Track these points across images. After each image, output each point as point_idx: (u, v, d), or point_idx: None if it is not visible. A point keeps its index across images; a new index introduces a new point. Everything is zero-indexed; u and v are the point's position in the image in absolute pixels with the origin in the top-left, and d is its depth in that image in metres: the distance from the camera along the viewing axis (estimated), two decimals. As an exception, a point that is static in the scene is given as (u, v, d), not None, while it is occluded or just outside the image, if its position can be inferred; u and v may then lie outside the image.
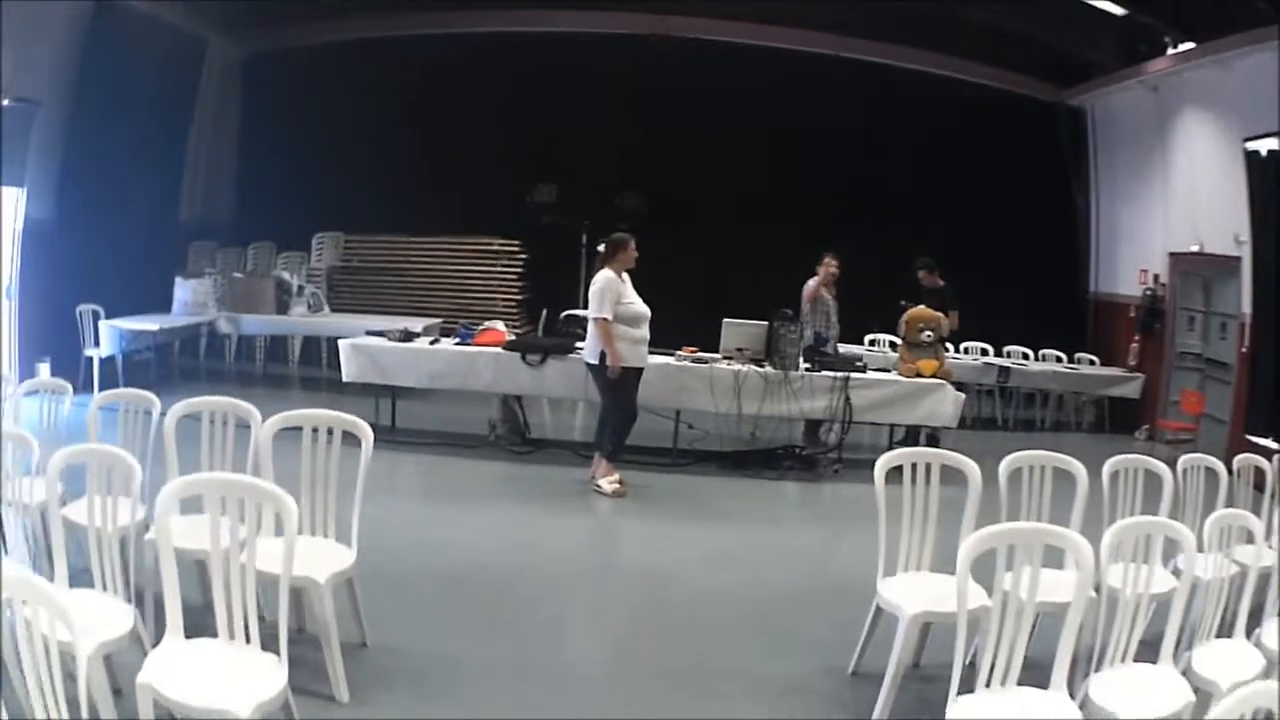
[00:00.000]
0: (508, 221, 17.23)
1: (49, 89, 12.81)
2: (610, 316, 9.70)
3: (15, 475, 5.16)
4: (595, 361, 9.92)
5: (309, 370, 16.11)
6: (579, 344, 10.92)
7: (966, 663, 4.36)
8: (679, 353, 11.43)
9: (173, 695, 3.94)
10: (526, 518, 9.29)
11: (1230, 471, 6.67)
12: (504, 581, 7.51)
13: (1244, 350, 13.33)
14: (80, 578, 4.77)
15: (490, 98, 17.11)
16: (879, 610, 5.73)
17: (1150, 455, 6.48)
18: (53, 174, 13.15)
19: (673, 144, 16.75)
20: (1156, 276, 15.81)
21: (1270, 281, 12.71)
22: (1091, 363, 16.60)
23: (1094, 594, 4.68)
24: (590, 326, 10.02)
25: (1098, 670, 4.57)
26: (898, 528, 5.73)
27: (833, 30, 17.01)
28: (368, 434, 5.68)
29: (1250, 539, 5.18)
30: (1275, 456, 6.93)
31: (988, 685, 4.24)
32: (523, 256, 17.23)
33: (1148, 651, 4.68)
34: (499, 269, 17.20)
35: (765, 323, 11.39)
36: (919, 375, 11.47)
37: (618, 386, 9.91)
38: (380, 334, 11.91)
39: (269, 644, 4.26)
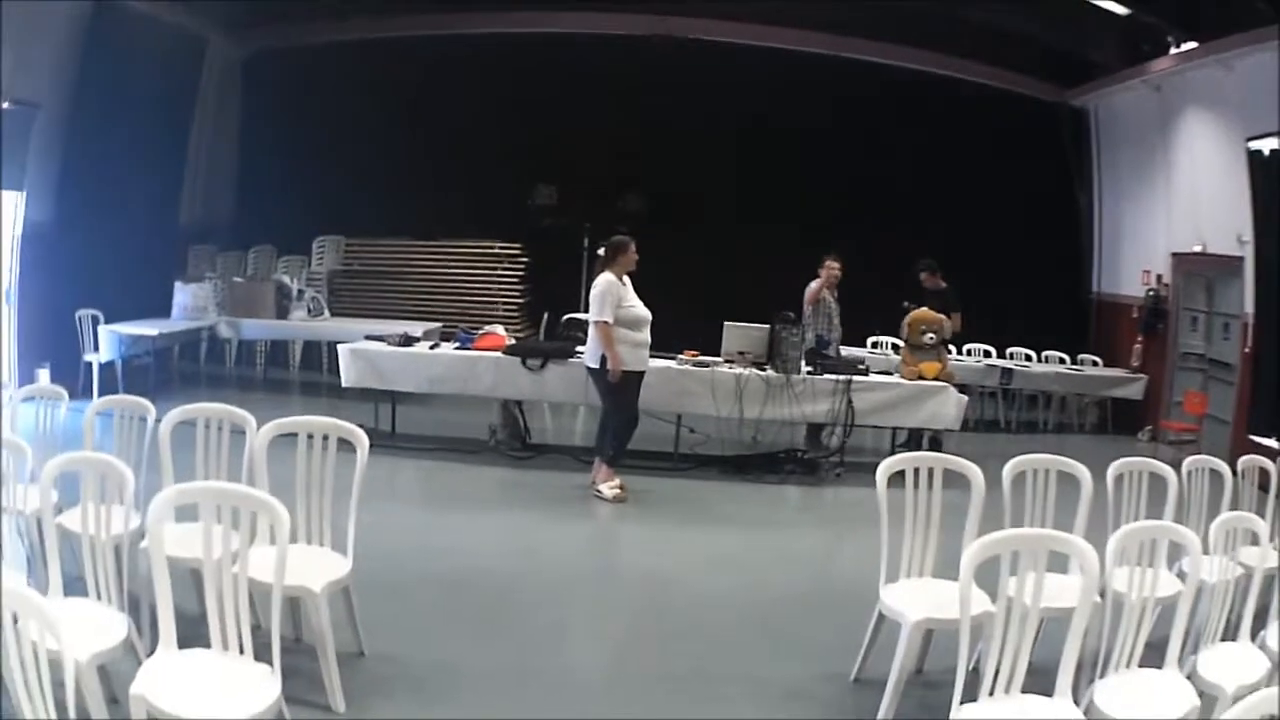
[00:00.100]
0: (509, 224, 17.21)
1: (48, 90, 12.75)
2: (611, 320, 9.65)
3: (11, 482, 5.13)
4: (596, 365, 9.88)
5: (310, 375, 16.05)
6: (579, 348, 10.88)
7: (970, 669, 4.31)
8: (680, 356, 11.40)
9: (165, 707, 3.90)
10: (527, 523, 9.25)
11: (1235, 473, 6.61)
12: (504, 587, 7.47)
13: (1247, 351, 13.27)
14: (76, 586, 4.73)
15: (491, 99, 17.08)
16: (881, 616, 5.67)
17: (1153, 456, 6.44)
18: (52, 176, 13.08)
19: (673, 145, 16.71)
20: (1159, 277, 15.76)
21: (1273, 281, 12.65)
22: (1094, 364, 16.54)
23: (1099, 599, 4.63)
24: (591, 330, 9.97)
25: (1102, 676, 4.52)
26: (900, 533, 5.68)
27: (833, 30, 16.96)
28: (363, 441, 5.63)
29: (1255, 541, 5.13)
30: (1280, 458, 6.89)
31: (991, 693, 4.19)
32: (524, 259, 17.19)
33: (1152, 655, 4.62)
34: (500, 272, 17.15)
35: (767, 325, 11.33)
36: (921, 378, 11.44)
37: (619, 390, 9.86)
38: (380, 339, 11.86)
39: (264, 654, 4.21)
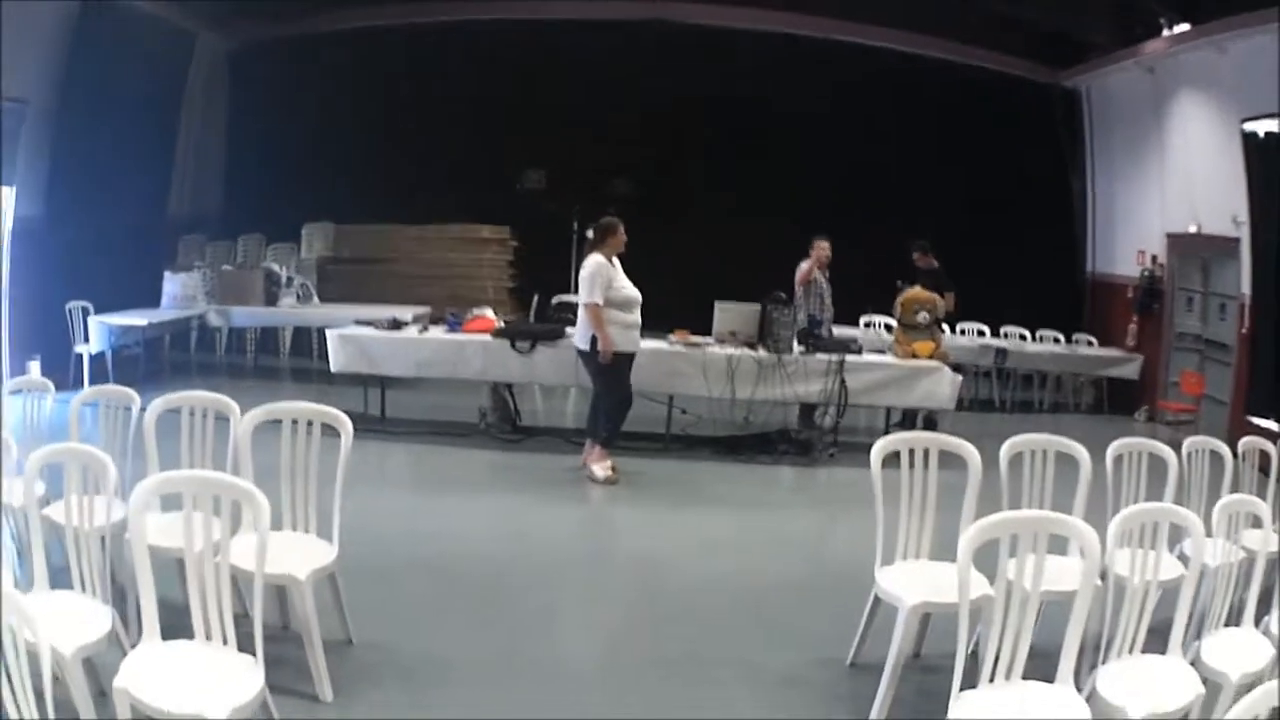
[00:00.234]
0: (498, 208, 17.15)
1: (36, 86, 12.69)
2: (601, 301, 9.57)
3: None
4: (586, 347, 9.80)
5: (300, 362, 15.94)
6: (569, 330, 10.78)
7: (969, 652, 4.22)
8: (671, 337, 11.32)
9: (149, 700, 3.85)
10: (517, 506, 9.17)
11: (1235, 454, 6.53)
12: (494, 572, 7.39)
13: (1244, 332, 13.21)
14: (63, 578, 4.66)
15: (479, 84, 16.99)
16: (877, 600, 5.59)
17: (1151, 436, 6.36)
18: (41, 172, 13.04)
19: (663, 128, 16.66)
20: (1154, 257, 15.72)
21: (1270, 263, 12.62)
22: (1090, 344, 16.49)
23: (1099, 582, 4.54)
24: (580, 312, 9.89)
25: (1104, 662, 4.43)
26: (895, 515, 5.59)
27: (825, 14, 16.89)
28: (347, 426, 5.54)
29: (1258, 523, 5.05)
30: (1280, 439, 6.82)
31: (991, 679, 4.10)
32: (513, 243, 17.16)
33: (1153, 640, 4.54)
34: (489, 256, 17.13)
35: (758, 305, 11.27)
36: (915, 357, 11.37)
37: (610, 372, 9.78)
38: (369, 324, 11.76)
39: (249, 644, 4.12)
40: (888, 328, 14.08)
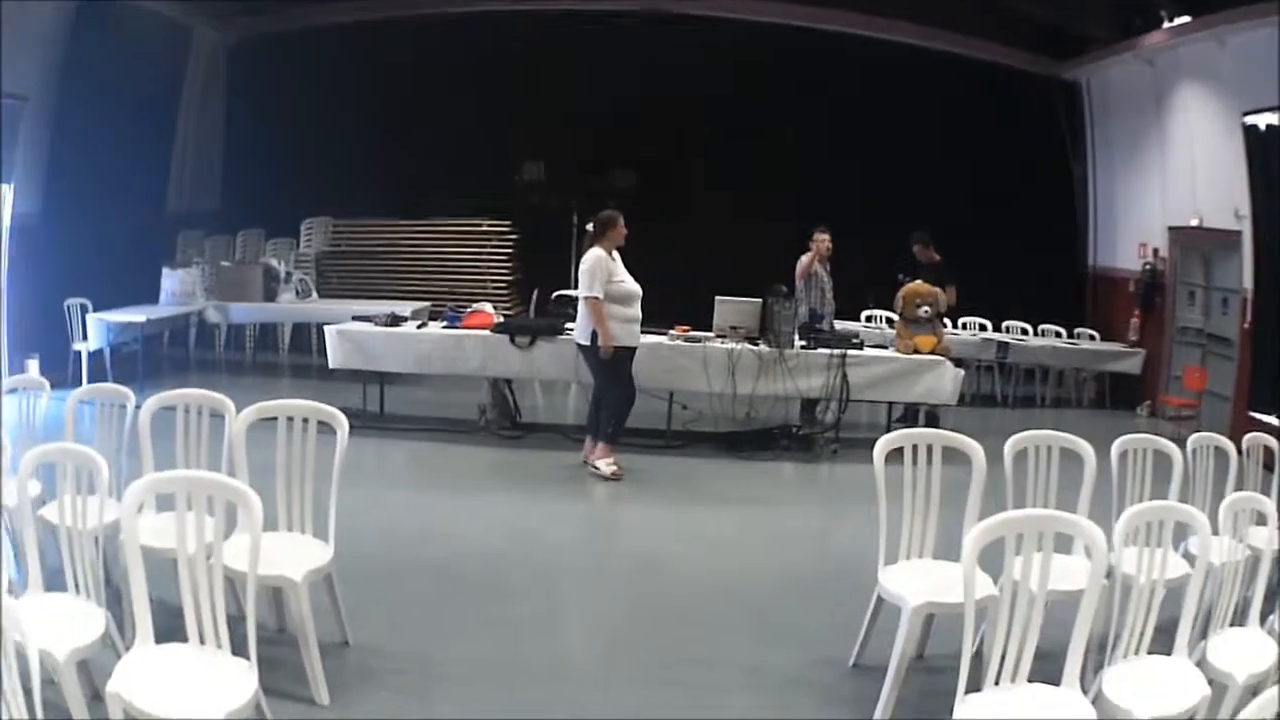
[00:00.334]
0: (497, 202, 17.12)
1: (34, 82, 12.63)
2: (601, 295, 9.52)
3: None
4: (586, 342, 9.75)
5: (299, 358, 15.90)
6: (568, 325, 10.73)
7: (973, 651, 4.16)
8: (671, 332, 11.26)
9: (142, 705, 3.81)
10: (517, 504, 9.12)
11: (1240, 451, 6.48)
12: (494, 571, 7.34)
13: (1246, 326, 13.14)
14: (59, 579, 4.61)
15: (478, 77, 16.93)
16: (880, 600, 5.53)
17: (1153, 432, 6.31)
18: (39, 168, 13.00)
19: (663, 120, 16.62)
20: (1156, 251, 15.65)
21: (1273, 257, 12.54)
22: (1091, 338, 16.41)
23: (1104, 580, 4.49)
24: (580, 306, 9.84)
25: (1110, 663, 4.37)
26: (899, 513, 5.54)
27: (823, 4, 16.81)
28: (343, 423, 5.49)
29: (1262, 521, 5.00)
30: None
31: (997, 682, 4.04)
32: (512, 237, 17.10)
33: (1158, 639, 4.48)
34: (489, 250, 17.07)
35: (759, 300, 11.21)
36: (917, 352, 11.30)
37: (610, 367, 9.74)
38: (367, 319, 11.71)
39: (244, 647, 4.08)
40: (889, 322, 14.02)
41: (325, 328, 11.61)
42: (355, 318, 11.86)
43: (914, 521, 5.57)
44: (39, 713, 3.31)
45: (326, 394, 6.13)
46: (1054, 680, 4.16)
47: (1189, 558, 5.57)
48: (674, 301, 11.28)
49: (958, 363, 11.58)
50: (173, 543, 4.23)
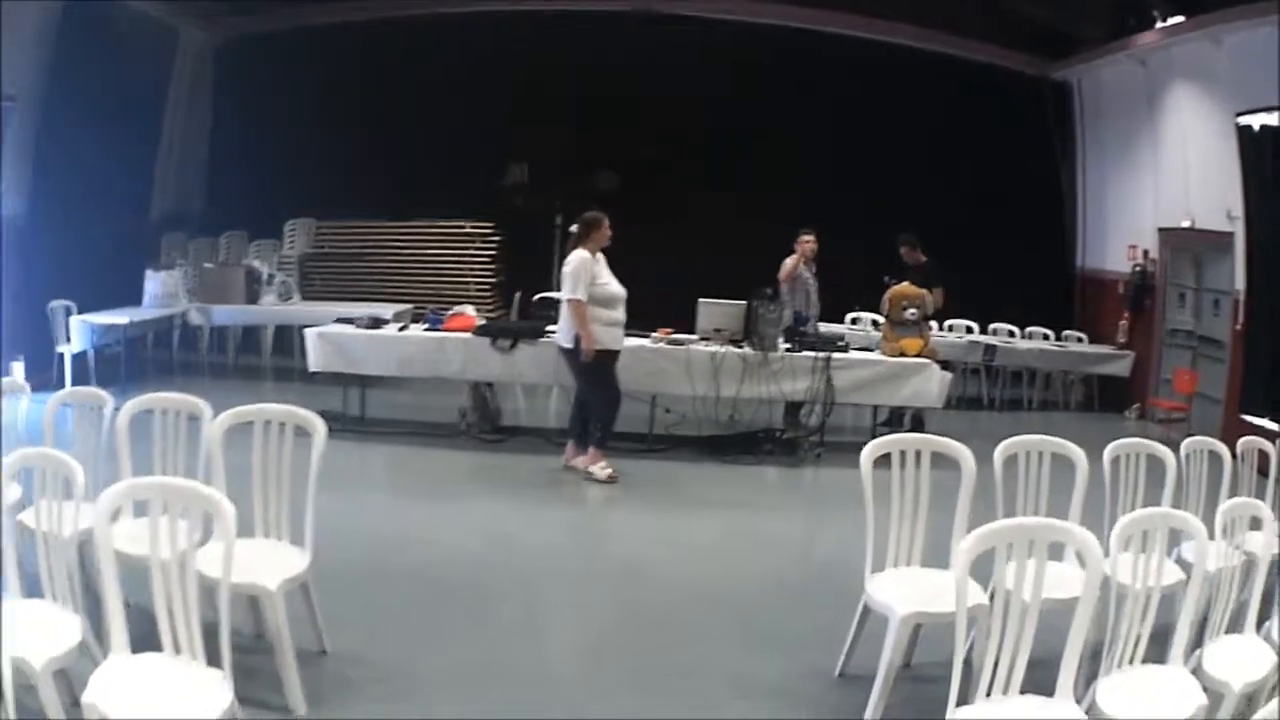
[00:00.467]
0: (480, 203, 17.04)
1: (20, 83, 12.50)
2: (584, 298, 9.43)
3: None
4: (569, 345, 9.66)
5: (282, 361, 15.73)
6: (550, 328, 10.63)
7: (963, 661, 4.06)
8: (654, 334, 11.16)
9: (116, 716, 3.72)
10: (497, 509, 9.00)
11: (1233, 455, 6.39)
12: (474, 577, 7.22)
13: (1238, 328, 13.09)
14: (38, 585, 4.49)
15: (461, 79, 16.83)
16: (867, 609, 5.42)
17: (1142, 435, 6.22)
18: (25, 168, 12.87)
19: (648, 122, 16.55)
20: (1146, 252, 15.58)
21: (1265, 258, 12.49)
22: (1080, 340, 16.34)
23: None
24: (563, 309, 9.75)
25: (1104, 672, 4.27)
26: (886, 519, 5.42)
27: (813, 4, 16.75)
28: (319, 428, 5.37)
29: (1256, 525, 4.91)
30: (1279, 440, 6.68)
31: (988, 694, 3.93)
32: (496, 239, 17.02)
33: (1152, 647, 4.38)
34: (472, 252, 16.99)
35: (743, 302, 11.13)
36: (903, 354, 11.23)
37: (593, 370, 9.66)
38: (349, 321, 11.60)
39: (220, 656, 3.98)
40: (875, 324, 13.95)
41: (305, 330, 11.49)
42: (338, 320, 11.75)
43: (901, 528, 5.45)
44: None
45: (309, 397, 6.04)
46: (1045, 690, 4.04)
47: (1183, 564, 5.49)
48: (668, 304, 11.22)
49: (945, 365, 11.51)
50: (146, 549, 4.13)
